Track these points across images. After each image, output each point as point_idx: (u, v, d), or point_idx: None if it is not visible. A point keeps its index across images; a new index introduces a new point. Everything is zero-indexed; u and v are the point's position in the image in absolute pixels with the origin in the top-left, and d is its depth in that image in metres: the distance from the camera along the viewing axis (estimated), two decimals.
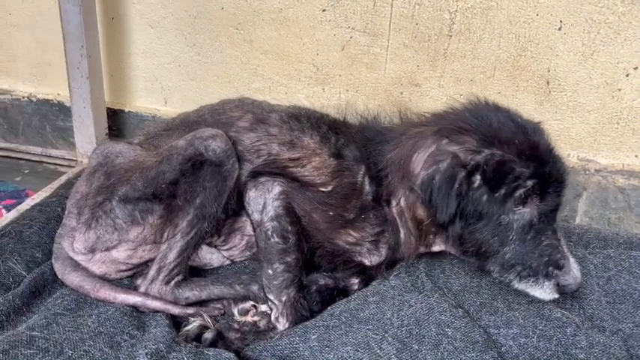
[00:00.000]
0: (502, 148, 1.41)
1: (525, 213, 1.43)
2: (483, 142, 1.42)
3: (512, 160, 1.40)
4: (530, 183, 1.40)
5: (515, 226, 1.43)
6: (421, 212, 1.52)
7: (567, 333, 1.40)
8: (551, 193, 1.44)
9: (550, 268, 1.43)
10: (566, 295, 1.53)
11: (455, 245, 1.54)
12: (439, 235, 1.57)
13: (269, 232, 1.54)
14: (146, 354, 1.23)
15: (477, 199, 1.42)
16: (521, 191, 1.40)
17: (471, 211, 1.43)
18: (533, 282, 1.46)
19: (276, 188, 1.56)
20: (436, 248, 1.62)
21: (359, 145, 1.64)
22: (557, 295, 1.46)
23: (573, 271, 1.44)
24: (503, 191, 1.41)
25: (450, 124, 1.49)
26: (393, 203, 1.57)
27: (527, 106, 2.10)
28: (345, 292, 1.62)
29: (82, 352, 1.23)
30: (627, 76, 1.99)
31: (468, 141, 1.44)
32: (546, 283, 1.45)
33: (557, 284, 1.44)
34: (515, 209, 1.42)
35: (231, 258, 1.73)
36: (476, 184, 1.41)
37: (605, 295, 1.55)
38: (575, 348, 1.36)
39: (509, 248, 1.45)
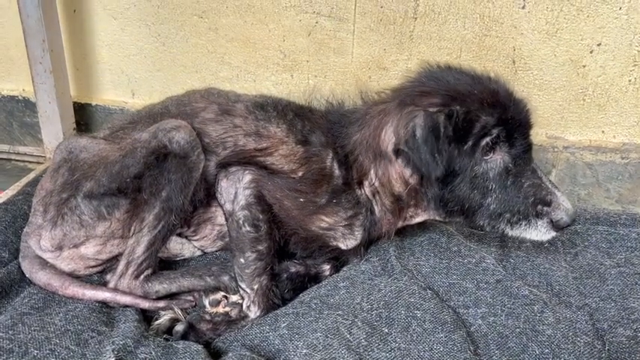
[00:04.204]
0: (464, 101, 1.41)
1: (497, 160, 1.44)
2: (446, 100, 1.43)
3: (476, 110, 1.40)
4: (495, 131, 1.40)
5: (491, 176, 1.44)
6: (400, 184, 1.52)
7: (535, 310, 1.42)
8: (519, 137, 1.44)
9: (539, 207, 1.43)
10: (534, 273, 1.54)
11: (438, 209, 1.53)
12: (419, 204, 1.57)
13: (240, 221, 1.53)
14: (113, 350, 1.22)
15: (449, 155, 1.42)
16: (487, 139, 1.40)
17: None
18: (525, 225, 1.45)
19: (246, 177, 1.55)
20: (418, 219, 1.63)
21: (324, 131, 1.63)
22: (554, 234, 1.44)
23: (563, 204, 1.42)
24: (470, 142, 1.41)
25: (410, 92, 1.49)
26: (366, 184, 1.57)
27: None
28: (316, 279, 1.63)
29: (47, 352, 1.22)
30: (591, 52, 2.00)
31: (432, 102, 1.43)
32: (539, 222, 1.44)
33: (551, 221, 1.43)
34: (485, 158, 1.42)
35: (203, 248, 1.72)
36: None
37: (572, 271, 1.58)
38: (543, 324, 1.38)
39: (492, 198, 1.45)
